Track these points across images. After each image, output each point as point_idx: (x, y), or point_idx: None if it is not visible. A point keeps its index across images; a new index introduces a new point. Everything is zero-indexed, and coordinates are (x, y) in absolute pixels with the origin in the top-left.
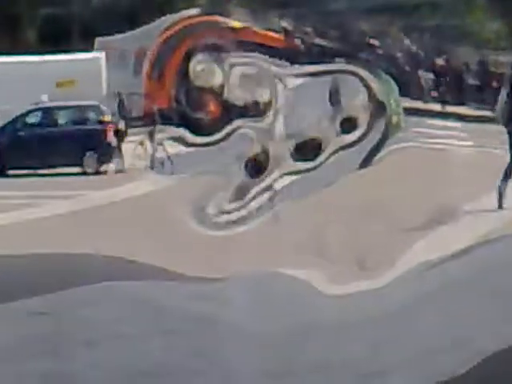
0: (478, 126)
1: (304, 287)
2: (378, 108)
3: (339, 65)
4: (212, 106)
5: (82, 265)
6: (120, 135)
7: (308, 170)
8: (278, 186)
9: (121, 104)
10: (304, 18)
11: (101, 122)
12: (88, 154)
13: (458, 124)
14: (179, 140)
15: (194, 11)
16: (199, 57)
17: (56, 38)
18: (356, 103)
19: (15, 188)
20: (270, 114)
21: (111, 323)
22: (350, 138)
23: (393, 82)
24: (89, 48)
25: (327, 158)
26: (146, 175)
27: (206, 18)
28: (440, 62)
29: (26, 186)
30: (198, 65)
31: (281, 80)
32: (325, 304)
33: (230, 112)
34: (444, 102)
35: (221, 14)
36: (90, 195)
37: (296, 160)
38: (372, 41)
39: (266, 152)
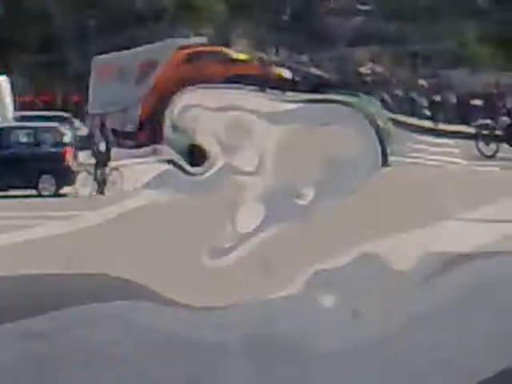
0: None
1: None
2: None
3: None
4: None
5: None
6: (101, 158)
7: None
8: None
9: (103, 126)
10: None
11: (59, 145)
12: (44, 177)
13: (451, 141)
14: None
15: (203, 39)
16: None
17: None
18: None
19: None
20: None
21: (105, 345)
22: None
23: (375, 101)
24: None
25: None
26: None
27: (211, 48)
28: (432, 83)
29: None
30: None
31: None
32: None
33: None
34: (436, 120)
35: (225, 45)
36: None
37: None
38: (363, 69)
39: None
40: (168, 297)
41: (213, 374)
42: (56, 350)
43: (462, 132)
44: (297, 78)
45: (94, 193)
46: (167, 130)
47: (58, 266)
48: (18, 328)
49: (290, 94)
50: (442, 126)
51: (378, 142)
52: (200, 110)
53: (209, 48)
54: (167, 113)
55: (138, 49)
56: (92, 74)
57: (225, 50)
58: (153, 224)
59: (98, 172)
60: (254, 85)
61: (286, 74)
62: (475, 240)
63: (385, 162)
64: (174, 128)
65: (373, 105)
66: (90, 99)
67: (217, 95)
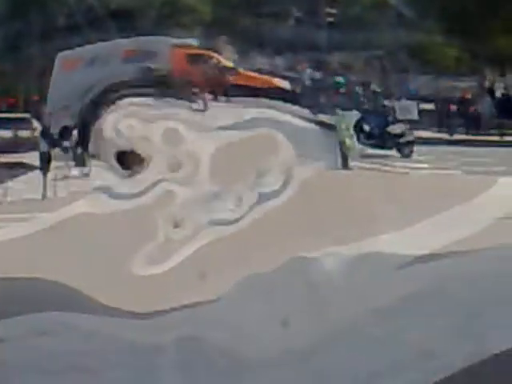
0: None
1: None
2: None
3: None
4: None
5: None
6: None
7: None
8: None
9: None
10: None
11: None
12: None
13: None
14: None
15: (192, 41)
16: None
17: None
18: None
19: None
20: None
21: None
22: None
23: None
24: None
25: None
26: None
27: (205, 52)
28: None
29: None
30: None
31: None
32: None
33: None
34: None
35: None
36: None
37: None
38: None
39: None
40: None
41: (150, 373)
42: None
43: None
44: (296, 89)
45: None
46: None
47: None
48: None
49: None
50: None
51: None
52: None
53: (203, 51)
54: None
55: (121, 40)
56: (55, 68)
57: (218, 56)
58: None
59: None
60: (256, 96)
61: (286, 84)
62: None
63: (345, 166)
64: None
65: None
66: (49, 96)
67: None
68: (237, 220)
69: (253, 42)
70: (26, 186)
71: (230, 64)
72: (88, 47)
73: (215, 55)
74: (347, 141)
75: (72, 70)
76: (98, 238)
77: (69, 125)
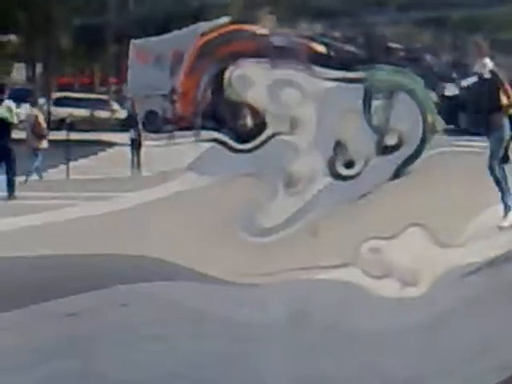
0: None
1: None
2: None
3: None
4: (246, 117)
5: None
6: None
7: (345, 179)
8: (309, 194)
9: (133, 111)
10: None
11: None
12: None
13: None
14: (223, 144)
15: (226, 19)
16: (234, 67)
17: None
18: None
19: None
20: (303, 124)
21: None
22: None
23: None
24: None
25: (365, 167)
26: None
27: (237, 26)
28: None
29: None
30: (234, 75)
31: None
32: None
33: (264, 122)
34: None
35: (251, 22)
36: None
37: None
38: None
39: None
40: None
41: (250, 353)
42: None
43: None
44: (332, 54)
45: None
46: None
47: (97, 248)
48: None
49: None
50: None
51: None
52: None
53: (232, 27)
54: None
55: (168, 35)
56: (130, 56)
57: (251, 26)
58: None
59: (134, 153)
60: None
61: (321, 48)
62: None
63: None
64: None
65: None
66: (129, 82)
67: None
68: (353, 176)
69: (293, 10)
70: (104, 163)
71: (266, 32)
72: (157, 39)
73: (248, 27)
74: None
75: (145, 63)
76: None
77: (154, 109)
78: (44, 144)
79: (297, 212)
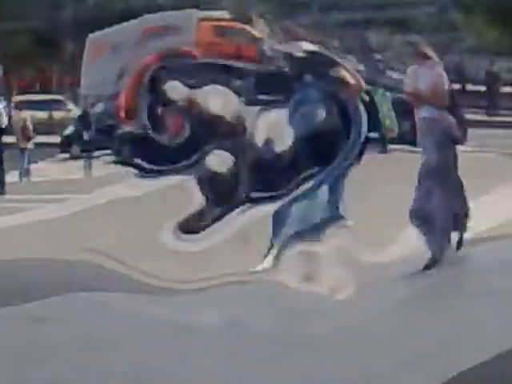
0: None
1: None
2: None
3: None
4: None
5: None
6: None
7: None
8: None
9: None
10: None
11: None
12: None
13: None
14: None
15: (221, 13)
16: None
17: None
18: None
19: None
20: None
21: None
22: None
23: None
24: None
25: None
26: None
27: (235, 24)
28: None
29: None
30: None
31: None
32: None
33: (200, 134)
34: None
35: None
36: None
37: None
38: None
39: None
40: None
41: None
42: None
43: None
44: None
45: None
46: None
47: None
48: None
49: None
50: None
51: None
52: None
53: (233, 24)
54: None
55: (147, 16)
56: (85, 51)
57: (248, 28)
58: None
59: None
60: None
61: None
62: None
63: (383, 150)
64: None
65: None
66: (82, 80)
67: None
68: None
69: (285, 13)
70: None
71: (261, 35)
72: (115, 28)
73: (245, 26)
74: (387, 122)
75: (100, 55)
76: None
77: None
78: (31, 145)
79: (226, 219)
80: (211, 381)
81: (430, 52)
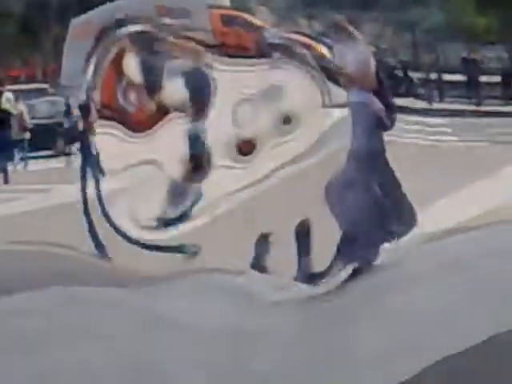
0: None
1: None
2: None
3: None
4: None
5: None
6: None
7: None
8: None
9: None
10: None
11: None
12: None
13: (444, 120)
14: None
15: (223, 1)
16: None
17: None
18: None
19: None
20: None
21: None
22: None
23: None
24: None
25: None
26: None
27: (239, 13)
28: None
29: None
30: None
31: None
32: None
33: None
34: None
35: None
36: None
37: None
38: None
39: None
40: None
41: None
42: None
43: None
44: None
45: None
46: None
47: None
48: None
49: None
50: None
51: None
52: None
53: (237, 13)
54: None
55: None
56: (68, 37)
57: (250, 17)
58: None
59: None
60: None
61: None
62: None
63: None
64: None
65: None
66: (63, 68)
67: None
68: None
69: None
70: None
71: (265, 25)
72: (106, 7)
73: (249, 16)
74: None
75: (86, 40)
76: None
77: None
78: (27, 135)
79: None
80: (193, 370)
81: (355, 31)
